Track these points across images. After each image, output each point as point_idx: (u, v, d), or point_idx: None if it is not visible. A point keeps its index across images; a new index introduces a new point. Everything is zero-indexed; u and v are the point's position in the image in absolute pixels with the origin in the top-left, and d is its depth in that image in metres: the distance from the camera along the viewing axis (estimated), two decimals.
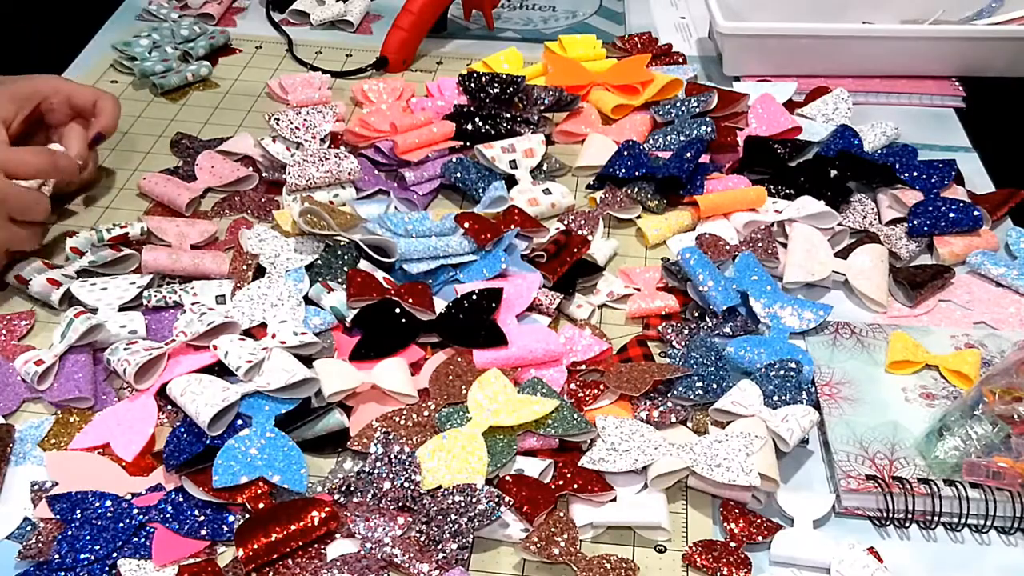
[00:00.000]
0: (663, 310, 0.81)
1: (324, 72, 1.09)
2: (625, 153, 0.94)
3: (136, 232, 0.85)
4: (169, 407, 0.72)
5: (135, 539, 0.64)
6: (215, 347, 0.73)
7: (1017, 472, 0.66)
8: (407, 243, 0.83)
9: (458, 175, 0.92)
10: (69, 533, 0.63)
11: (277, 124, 0.94)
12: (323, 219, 0.84)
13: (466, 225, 0.84)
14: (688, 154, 0.91)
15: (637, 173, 0.91)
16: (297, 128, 0.94)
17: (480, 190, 0.91)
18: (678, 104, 1.01)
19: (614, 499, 0.67)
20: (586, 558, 0.63)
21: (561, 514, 0.65)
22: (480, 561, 0.64)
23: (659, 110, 1.01)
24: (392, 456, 0.66)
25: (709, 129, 0.97)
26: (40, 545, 0.63)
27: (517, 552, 0.64)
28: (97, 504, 0.65)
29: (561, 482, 0.67)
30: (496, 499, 0.64)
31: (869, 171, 0.93)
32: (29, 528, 0.65)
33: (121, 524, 0.64)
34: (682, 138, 0.97)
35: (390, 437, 0.68)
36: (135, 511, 0.65)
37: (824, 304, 0.81)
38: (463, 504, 0.64)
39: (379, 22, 1.21)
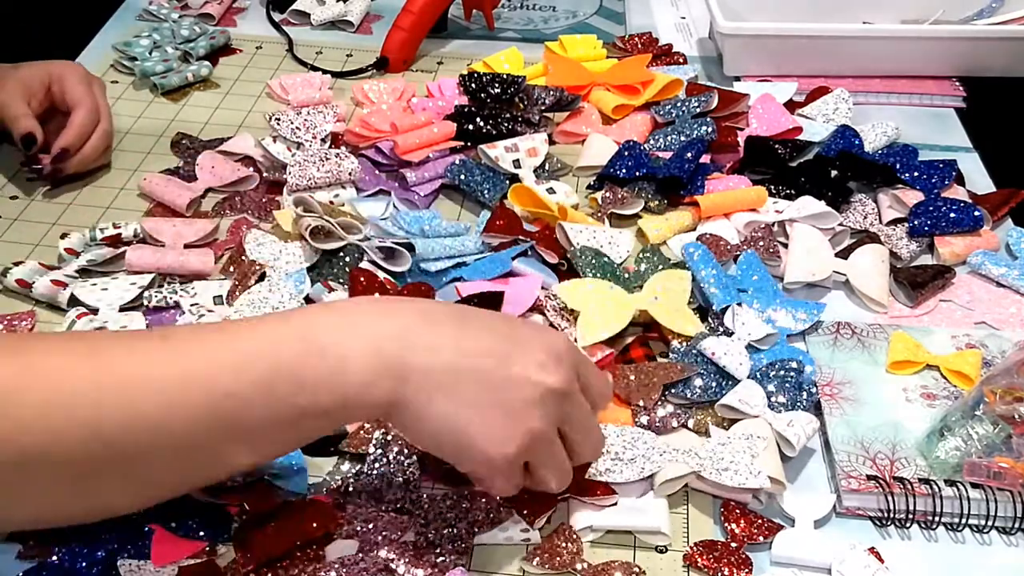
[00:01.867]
0: None
1: (324, 72, 1.09)
2: (626, 153, 0.94)
3: (129, 233, 0.85)
4: None
5: (134, 540, 0.63)
6: None
7: (1018, 472, 0.66)
8: (424, 243, 0.83)
9: (462, 177, 0.92)
10: (68, 534, 0.63)
11: (278, 124, 0.94)
12: (334, 230, 0.83)
13: (497, 223, 0.85)
14: (689, 154, 0.91)
15: (638, 173, 0.91)
16: (298, 128, 0.94)
17: (485, 192, 0.91)
18: (678, 104, 1.00)
19: (615, 503, 0.67)
20: (592, 566, 0.63)
21: (565, 523, 0.65)
22: (480, 561, 0.64)
23: (659, 110, 1.01)
24: (391, 458, 0.66)
25: (710, 129, 0.97)
26: (40, 546, 0.63)
27: (522, 565, 0.64)
28: None
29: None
30: (496, 507, 0.64)
31: (869, 171, 0.92)
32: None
33: (120, 525, 0.64)
34: (682, 138, 0.97)
35: (389, 438, 0.67)
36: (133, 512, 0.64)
37: (817, 303, 0.81)
38: (463, 511, 0.64)
39: (379, 22, 1.20)
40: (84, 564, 0.62)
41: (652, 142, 0.98)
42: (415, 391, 0.55)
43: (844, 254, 0.86)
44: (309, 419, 0.55)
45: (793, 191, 0.91)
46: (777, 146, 0.95)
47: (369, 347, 0.55)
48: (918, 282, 0.83)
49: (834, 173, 0.92)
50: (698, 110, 0.99)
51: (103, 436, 0.51)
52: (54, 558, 0.62)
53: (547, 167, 0.95)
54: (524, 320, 0.61)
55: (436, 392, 0.55)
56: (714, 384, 0.72)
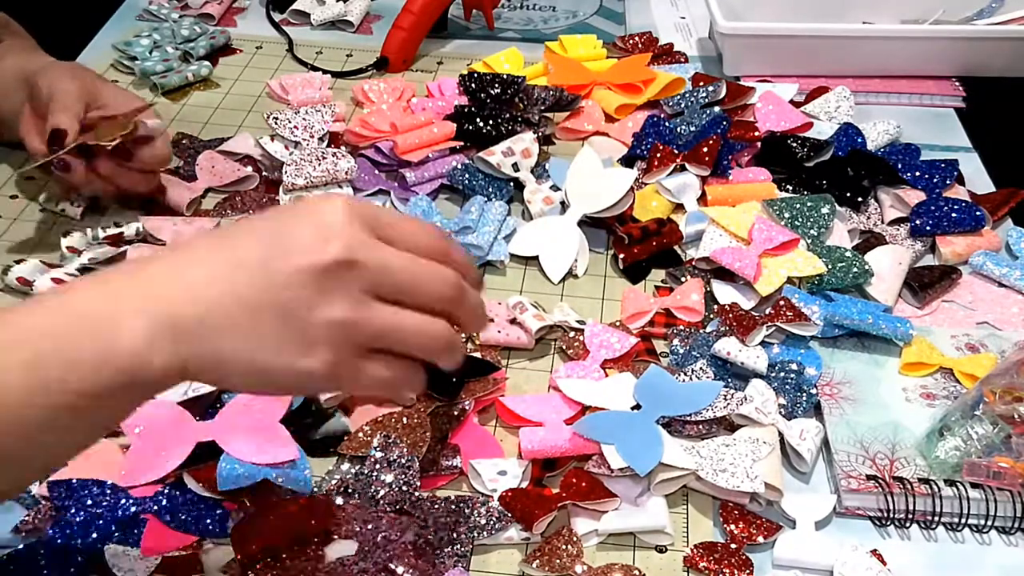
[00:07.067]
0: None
1: (324, 72, 1.09)
2: (651, 130, 0.94)
3: (131, 232, 0.85)
4: None
5: (128, 528, 0.64)
6: None
7: (1017, 472, 0.66)
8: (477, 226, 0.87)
9: (466, 181, 0.92)
10: (64, 518, 0.63)
11: (276, 123, 0.94)
12: None
13: None
14: (711, 130, 0.92)
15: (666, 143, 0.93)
16: (295, 127, 0.94)
17: (490, 194, 0.91)
18: (687, 95, 1.00)
19: (616, 507, 0.66)
20: (591, 569, 0.63)
21: (565, 528, 0.65)
22: (480, 561, 0.64)
23: (668, 101, 1.01)
24: (391, 458, 0.66)
25: (726, 123, 0.96)
26: (36, 522, 0.64)
27: (521, 567, 0.64)
28: (94, 491, 0.65)
29: (565, 493, 0.66)
30: (497, 516, 0.64)
31: (883, 169, 0.92)
32: (31, 503, 0.65)
33: (115, 513, 0.64)
34: (693, 128, 0.97)
35: (389, 440, 0.67)
36: (129, 501, 0.65)
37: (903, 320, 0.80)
38: (463, 516, 0.64)
39: (379, 22, 1.20)
40: (73, 548, 0.62)
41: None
42: (198, 346, 0.47)
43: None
44: (88, 400, 0.46)
45: (810, 192, 0.90)
46: (794, 145, 0.95)
47: (136, 308, 0.47)
48: (925, 283, 0.83)
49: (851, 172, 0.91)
50: (707, 100, 0.99)
51: None
52: (44, 539, 0.62)
53: (547, 166, 0.95)
54: (295, 204, 0.52)
55: (218, 338, 0.48)
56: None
